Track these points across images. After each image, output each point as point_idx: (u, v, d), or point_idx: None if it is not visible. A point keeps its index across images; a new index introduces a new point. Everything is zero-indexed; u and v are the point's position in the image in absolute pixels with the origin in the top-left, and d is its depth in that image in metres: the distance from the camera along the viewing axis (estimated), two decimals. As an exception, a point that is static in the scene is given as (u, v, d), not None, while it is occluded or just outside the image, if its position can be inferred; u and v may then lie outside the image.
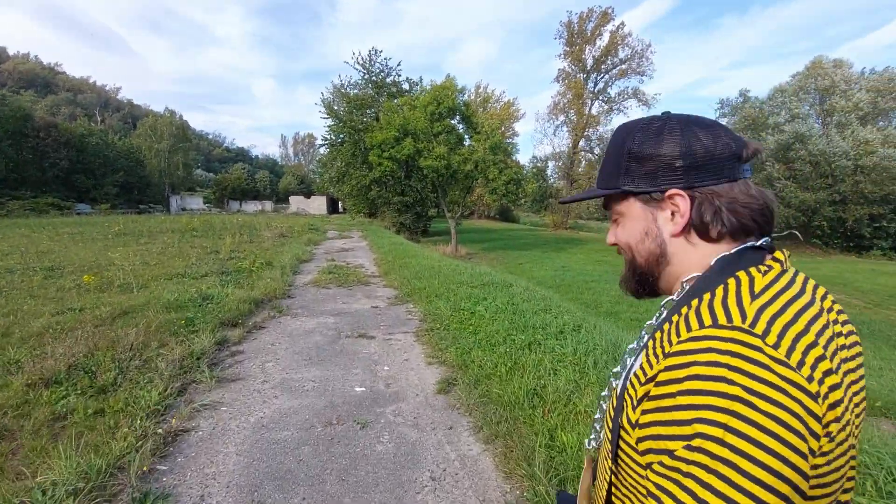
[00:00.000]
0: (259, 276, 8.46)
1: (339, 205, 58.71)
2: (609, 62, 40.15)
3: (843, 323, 0.66)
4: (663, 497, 0.54)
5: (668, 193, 0.70)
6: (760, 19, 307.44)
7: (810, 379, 0.52)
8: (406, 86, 28.14)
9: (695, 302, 0.63)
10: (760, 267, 0.64)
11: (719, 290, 0.62)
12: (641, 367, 0.65)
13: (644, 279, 0.78)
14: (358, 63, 27.05)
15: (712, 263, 0.68)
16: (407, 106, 25.33)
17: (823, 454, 0.53)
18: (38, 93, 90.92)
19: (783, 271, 0.64)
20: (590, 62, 40.32)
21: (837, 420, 0.53)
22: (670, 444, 0.55)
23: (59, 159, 46.01)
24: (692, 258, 0.71)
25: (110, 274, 8.47)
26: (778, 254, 0.67)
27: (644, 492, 0.63)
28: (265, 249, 13.10)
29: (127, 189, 54.82)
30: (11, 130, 42.47)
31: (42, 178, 45.61)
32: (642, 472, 0.63)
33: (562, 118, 42.52)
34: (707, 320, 0.59)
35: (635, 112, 39.89)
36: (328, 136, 28.18)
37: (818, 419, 0.51)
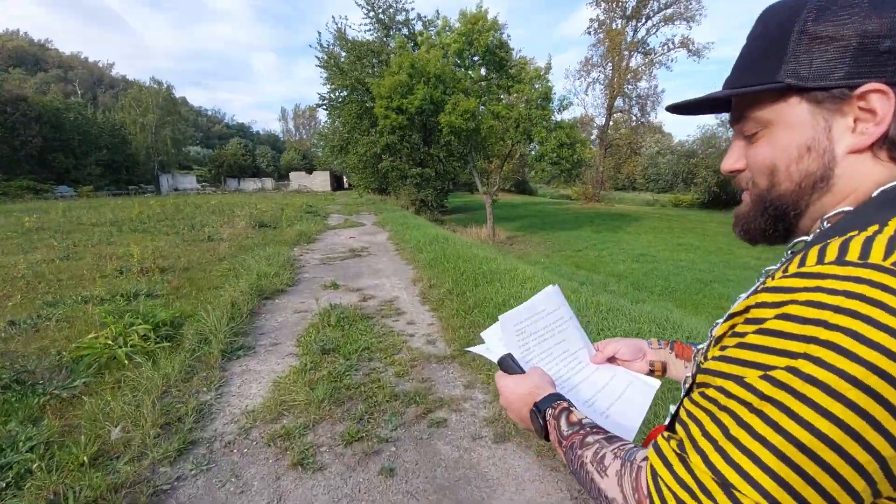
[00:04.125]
0: (109, 402, 2.65)
1: (345, 180, 52.47)
2: (653, 5, 33.05)
3: None
4: (692, 427, 0.45)
5: (861, 90, 0.46)
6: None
7: None
8: (419, 25, 21.59)
9: (833, 241, 0.44)
10: None
11: (872, 229, 0.42)
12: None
13: (782, 215, 0.55)
14: (361, -1, 20.49)
15: (874, 194, 0.48)
16: (426, 45, 18.93)
17: None
18: (27, 71, 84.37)
19: None
20: (631, 5, 33.20)
21: None
22: (715, 380, 0.44)
23: (30, 136, 39.68)
24: (866, 183, 0.49)
25: None
26: None
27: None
28: (215, 261, 7.25)
29: (113, 169, 48.57)
30: (-28, 105, 36.18)
31: (14, 157, 39.48)
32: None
33: (595, 74, 35.68)
34: (830, 255, 0.41)
35: (683, 65, 33.07)
36: (327, 95, 21.83)
37: None
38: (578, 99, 39.23)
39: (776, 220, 0.56)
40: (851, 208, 0.49)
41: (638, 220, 25.97)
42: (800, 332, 0.39)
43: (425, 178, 21.00)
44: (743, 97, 0.55)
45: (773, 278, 0.46)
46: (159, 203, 19.19)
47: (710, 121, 30.78)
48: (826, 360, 0.37)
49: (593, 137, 37.44)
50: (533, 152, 19.06)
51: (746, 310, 0.46)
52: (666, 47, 33.87)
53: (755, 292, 0.47)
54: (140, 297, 4.90)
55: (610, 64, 34.47)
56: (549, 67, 18.24)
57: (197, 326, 3.83)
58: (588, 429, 0.60)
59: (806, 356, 0.38)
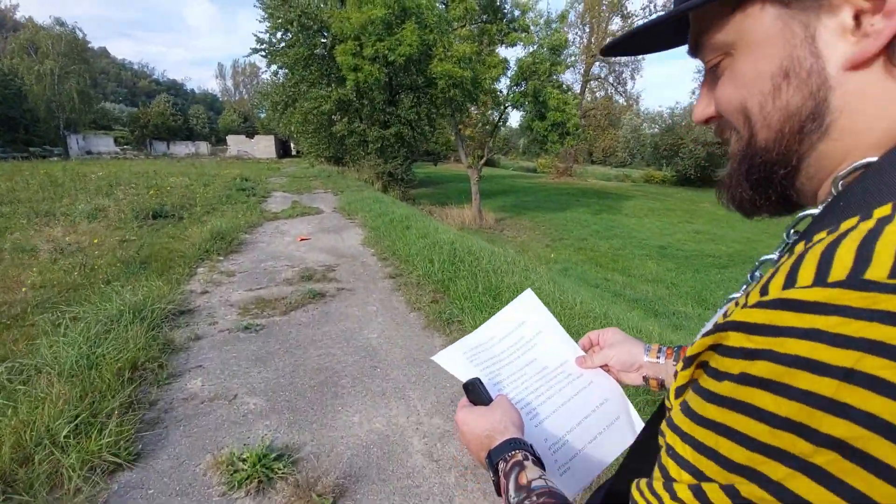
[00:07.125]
0: None
1: (292, 146, 46.16)
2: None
3: None
4: None
5: None
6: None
7: None
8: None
9: (848, 224, 0.27)
10: None
11: None
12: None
13: (768, 177, 0.36)
14: None
15: None
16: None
17: None
18: None
19: None
20: (613, -41, 29.51)
21: None
22: (663, 461, 0.33)
23: None
24: (891, 112, 0.30)
25: None
26: None
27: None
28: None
29: (9, 126, 39.56)
30: None
31: None
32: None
33: (571, 36, 31.97)
34: (806, 271, 0.26)
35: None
36: (266, 37, 16.66)
37: None
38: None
39: (764, 185, 0.37)
40: (875, 158, 0.30)
41: (626, 200, 23.13)
42: (774, 410, 0.25)
43: (389, 144, 16.67)
44: (698, 19, 0.38)
45: (748, 297, 0.30)
46: (20, 172, 13.49)
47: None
48: (832, 472, 0.24)
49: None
50: (512, 124, 15.29)
51: (708, 350, 0.31)
52: (647, 10, 30.65)
53: (714, 329, 0.31)
54: None
55: (588, 26, 30.86)
56: (564, 16, 14.40)
57: None
58: (535, 497, 0.46)
59: (778, 453, 0.25)
